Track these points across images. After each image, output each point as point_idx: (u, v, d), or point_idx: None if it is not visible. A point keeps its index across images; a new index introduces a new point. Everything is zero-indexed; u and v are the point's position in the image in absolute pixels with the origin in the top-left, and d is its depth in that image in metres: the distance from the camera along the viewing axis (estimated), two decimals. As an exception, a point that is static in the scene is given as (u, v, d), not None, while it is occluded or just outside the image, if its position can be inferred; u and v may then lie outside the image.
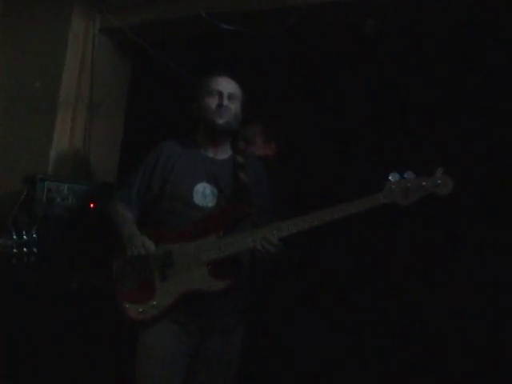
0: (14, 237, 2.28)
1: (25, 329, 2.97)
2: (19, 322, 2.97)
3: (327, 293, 3.13)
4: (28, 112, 3.62)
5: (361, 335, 3.08)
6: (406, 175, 2.36)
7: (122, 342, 2.68)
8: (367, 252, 3.11)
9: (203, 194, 2.55)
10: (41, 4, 3.69)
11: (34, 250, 2.30)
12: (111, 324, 2.68)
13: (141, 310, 2.46)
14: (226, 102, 2.58)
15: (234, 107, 2.60)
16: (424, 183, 2.33)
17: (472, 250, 2.98)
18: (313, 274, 3.11)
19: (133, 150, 3.53)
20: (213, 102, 2.58)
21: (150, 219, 2.59)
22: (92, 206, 3.22)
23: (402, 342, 3.01)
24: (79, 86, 3.68)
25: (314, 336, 3.17)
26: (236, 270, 2.52)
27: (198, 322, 2.48)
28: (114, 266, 2.54)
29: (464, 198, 2.60)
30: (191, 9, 3.46)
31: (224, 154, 2.66)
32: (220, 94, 2.59)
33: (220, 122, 2.57)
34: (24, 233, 2.30)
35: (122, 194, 2.66)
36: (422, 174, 2.35)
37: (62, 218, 3.14)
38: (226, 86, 2.61)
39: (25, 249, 2.29)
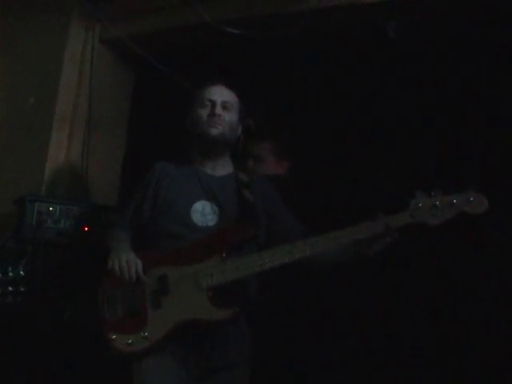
0: None
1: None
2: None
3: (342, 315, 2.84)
4: (22, 129, 3.40)
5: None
6: (433, 193, 2.09)
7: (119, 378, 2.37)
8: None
9: (202, 212, 2.31)
10: (36, 15, 3.49)
11: (22, 289, 2.02)
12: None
13: (129, 341, 2.17)
14: (218, 110, 2.36)
15: (228, 116, 2.38)
16: (455, 201, 2.05)
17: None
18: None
19: (136, 168, 3.28)
20: (204, 112, 2.37)
21: (147, 245, 2.34)
22: (86, 229, 2.95)
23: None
24: (77, 100, 3.45)
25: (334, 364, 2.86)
26: (241, 298, 2.23)
27: (198, 356, 2.20)
28: (100, 290, 2.26)
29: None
30: (194, 16, 3.22)
31: (223, 170, 2.43)
32: (212, 103, 2.37)
33: (213, 133, 2.35)
34: (10, 269, 2.03)
35: (118, 222, 2.46)
36: (451, 191, 2.07)
37: (53, 242, 2.87)
38: (219, 94, 2.40)
39: (10, 288, 2.02)
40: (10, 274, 2.02)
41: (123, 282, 2.21)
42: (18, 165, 3.36)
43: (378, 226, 2.10)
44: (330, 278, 2.49)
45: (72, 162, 3.41)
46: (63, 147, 3.39)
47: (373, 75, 3.05)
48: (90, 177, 3.43)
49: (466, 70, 2.83)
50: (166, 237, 2.29)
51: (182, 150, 2.50)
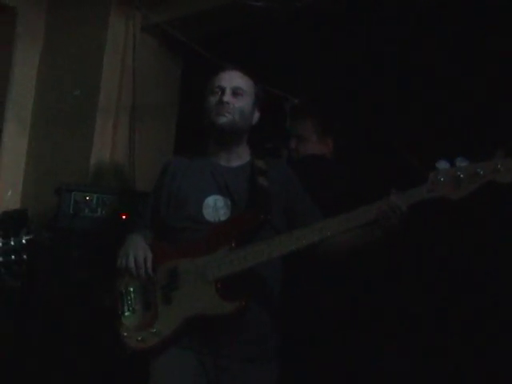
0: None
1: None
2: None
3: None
4: (68, 121, 3.46)
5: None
6: (457, 162, 1.83)
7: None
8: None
9: (214, 207, 2.19)
10: (75, 7, 3.52)
11: (24, 256, 2.02)
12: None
13: (139, 338, 2.10)
14: (227, 97, 2.20)
15: (239, 103, 2.21)
16: (480, 170, 1.78)
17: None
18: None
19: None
20: (213, 100, 2.22)
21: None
22: (124, 217, 2.93)
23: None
24: (120, 90, 3.47)
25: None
26: (250, 290, 2.08)
27: (213, 347, 2.08)
28: (114, 286, 2.22)
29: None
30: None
31: (239, 159, 2.28)
32: (222, 90, 2.22)
33: (220, 121, 2.19)
34: (12, 238, 2.03)
35: (137, 223, 2.38)
36: (478, 159, 1.81)
37: (88, 231, 2.88)
38: (230, 80, 2.24)
39: (12, 256, 2.02)
40: (12, 242, 2.02)
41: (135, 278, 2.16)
42: (63, 156, 3.43)
43: (383, 206, 1.89)
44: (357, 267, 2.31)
45: (118, 152, 3.43)
46: (108, 137, 3.41)
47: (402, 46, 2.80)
48: (137, 167, 3.43)
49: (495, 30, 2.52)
50: (179, 233, 2.20)
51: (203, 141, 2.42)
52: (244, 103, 2.23)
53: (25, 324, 2.87)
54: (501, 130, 2.28)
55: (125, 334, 2.14)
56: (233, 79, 2.24)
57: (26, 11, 3.63)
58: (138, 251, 2.16)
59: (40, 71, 3.69)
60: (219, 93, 2.22)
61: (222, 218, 2.16)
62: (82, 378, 2.72)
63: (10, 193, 3.55)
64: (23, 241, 2.06)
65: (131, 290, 2.18)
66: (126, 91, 3.46)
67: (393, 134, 2.61)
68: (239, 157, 2.28)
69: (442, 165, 1.85)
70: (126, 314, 2.17)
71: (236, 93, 2.22)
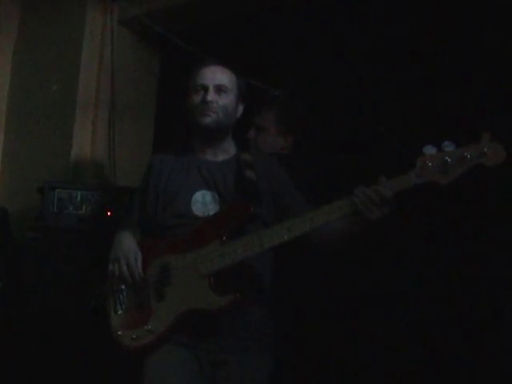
0: None
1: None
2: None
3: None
4: (46, 118, 3.40)
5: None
6: (443, 146, 1.85)
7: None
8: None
9: (203, 202, 2.18)
10: (52, 2, 3.46)
11: None
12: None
13: (134, 336, 2.09)
14: (210, 96, 2.18)
15: (223, 100, 2.20)
16: (467, 154, 1.80)
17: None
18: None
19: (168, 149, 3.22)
20: (196, 99, 2.20)
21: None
22: (109, 214, 2.90)
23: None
24: (99, 85, 3.41)
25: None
26: (244, 283, 2.09)
27: (208, 343, 2.07)
28: (106, 285, 2.20)
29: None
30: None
31: (225, 153, 2.27)
32: (204, 89, 2.19)
33: (205, 121, 2.18)
34: None
35: (124, 222, 2.35)
36: (465, 143, 1.82)
37: (74, 228, 2.85)
38: (213, 77, 2.21)
39: None
40: None
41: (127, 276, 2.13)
42: (43, 153, 3.37)
43: (371, 193, 1.88)
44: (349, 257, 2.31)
45: (97, 148, 3.39)
46: (88, 133, 3.36)
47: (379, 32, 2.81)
48: (117, 162, 3.40)
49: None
50: (169, 230, 2.19)
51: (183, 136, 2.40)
52: (227, 100, 2.21)
53: (11, 325, 2.83)
54: (486, 114, 2.30)
55: (119, 332, 2.12)
56: (215, 76, 2.21)
57: (-2, 6, 3.57)
58: (128, 254, 2.14)
59: (14, 67, 3.62)
60: (202, 92, 2.20)
61: (211, 213, 2.15)
62: (72, 378, 2.69)
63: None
64: None
65: (123, 287, 2.16)
66: (105, 86, 3.41)
67: (379, 121, 2.61)
68: (225, 151, 2.27)
69: (429, 150, 1.85)
70: (119, 312, 2.15)
71: (219, 89, 2.20)
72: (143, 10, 3.41)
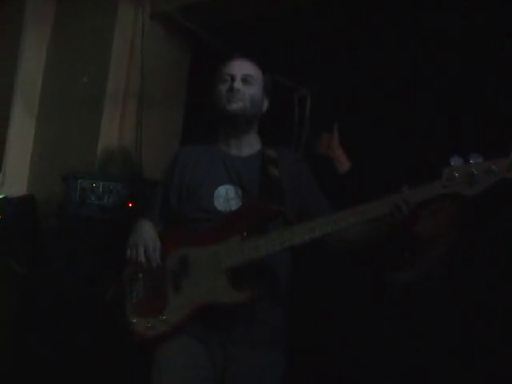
0: None
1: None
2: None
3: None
4: (75, 108, 3.44)
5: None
6: (471, 159, 1.82)
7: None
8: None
9: (225, 197, 2.19)
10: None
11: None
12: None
13: (149, 324, 2.10)
14: (237, 84, 2.20)
15: (250, 90, 2.22)
16: (494, 167, 1.77)
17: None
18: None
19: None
20: (224, 87, 2.22)
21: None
22: (131, 205, 2.93)
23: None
24: (128, 78, 3.43)
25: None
26: (261, 279, 2.09)
27: (221, 336, 2.09)
28: (124, 273, 2.21)
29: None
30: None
31: (250, 148, 2.27)
32: (232, 78, 2.22)
33: (232, 107, 2.20)
34: None
35: (146, 213, 2.35)
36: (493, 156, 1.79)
37: (95, 218, 2.88)
38: (240, 67, 2.24)
39: None
40: None
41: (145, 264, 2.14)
42: (71, 143, 3.41)
43: (397, 201, 1.87)
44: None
45: (125, 140, 3.41)
46: (116, 125, 3.39)
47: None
48: (144, 154, 3.41)
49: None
50: (191, 223, 2.20)
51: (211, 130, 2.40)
52: (254, 90, 2.24)
53: (31, 312, 2.87)
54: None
55: (134, 320, 2.13)
56: (243, 67, 2.25)
57: (35, -1, 3.62)
58: (147, 241, 2.15)
59: (48, 58, 3.67)
60: (229, 80, 2.22)
61: (233, 208, 2.16)
62: (89, 365, 2.72)
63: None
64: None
65: (140, 276, 2.17)
66: (134, 79, 3.42)
67: (409, 130, 2.58)
68: (250, 146, 2.28)
69: (457, 161, 1.83)
70: (134, 300, 2.16)
71: (246, 80, 2.22)
72: (175, 5, 3.41)
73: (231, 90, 2.20)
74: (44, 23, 3.65)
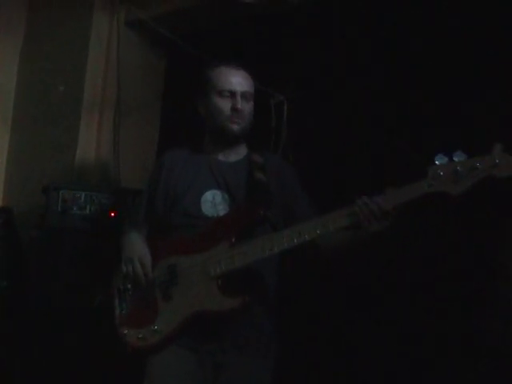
0: None
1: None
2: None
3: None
4: (51, 118, 3.41)
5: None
6: (455, 157, 1.86)
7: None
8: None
9: (213, 202, 2.18)
10: (59, 3, 3.46)
11: None
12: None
13: (140, 335, 2.09)
14: (240, 104, 2.19)
15: (248, 108, 2.23)
16: (478, 164, 1.81)
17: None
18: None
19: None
20: (225, 105, 2.19)
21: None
22: (113, 214, 2.91)
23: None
24: (105, 86, 3.41)
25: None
26: (251, 285, 2.10)
27: (210, 345, 2.08)
28: (112, 284, 2.21)
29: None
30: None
31: (237, 155, 2.28)
32: (233, 95, 2.20)
33: (234, 128, 2.20)
34: None
35: (131, 220, 2.37)
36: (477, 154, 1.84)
37: (78, 229, 2.85)
38: (240, 84, 2.22)
39: None
40: None
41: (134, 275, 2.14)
42: (48, 153, 3.38)
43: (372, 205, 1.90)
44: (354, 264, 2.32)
45: (102, 149, 3.38)
46: (93, 134, 3.36)
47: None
48: (122, 163, 3.39)
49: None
50: (177, 229, 2.20)
51: (194, 135, 2.39)
52: (251, 106, 2.25)
53: (14, 324, 2.82)
54: (498, 125, 2.31)
55: (125, 332, 2.12)
56: (243, 83, 2.23)
57: (5, 7, 3.56)
58: (141, 255, 2.15)
59: (21, 68, 3.63)
60: (229, 97, 2.20)
61: (221, 214, 2.16)
62: (74, 377, 2.69)
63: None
64: None
65: (129, 287, 2.17)
66: (111, 87, 3.41)
67: (391, 130, 2.62)
68: (237, 152, 2.28)
69: (441, 159, 1.87)
70: (125, 311, 2.15)
71: (245, 97, 2.22)
72: (150, 13, 3.41)
73: (235, 110, 2.18)
74: (16, 33, 3.61)
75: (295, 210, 2.21)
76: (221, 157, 2.27)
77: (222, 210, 2.17)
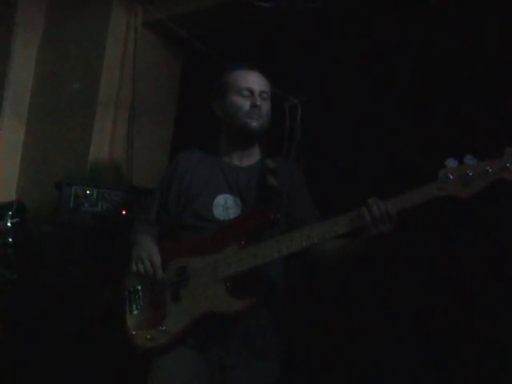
0: None
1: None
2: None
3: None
4: (66, 115, 3.44)
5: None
6: (465, 160, 1.84)
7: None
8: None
9: (224, 206, 2.19)
10: (77, 2, 3.50)
11: (10, 239, 2.02)
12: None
13: (149, 336, 2.08)
14: (259, 101, 2.20)
15: (266, 107, 2.23)
16: (489, 168, 1.79)
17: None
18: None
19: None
20: (244, 103, 2.20)
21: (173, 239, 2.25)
22: (124, 212, 2.92)
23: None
24: (120, 85, 3.44)
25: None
26: (258, 287, 2.09)
27: (218, 347, 2.08)
28: (123, 285, 2.21)
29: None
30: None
31: (251, 159, 2.28)
32: (251, 93, 2.21)
33: (254, 125, 2.20)
34: None
35: (142, 219, 2.37)
36: (487, 157, 1.82)
37: (89, 225, 2.87)
38: (258, 83, 2.24)
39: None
40: None
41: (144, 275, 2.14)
42: (62, 150, 3.41)
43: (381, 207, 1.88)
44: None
45: (116, 147, 3.41)
46: (107, 132, 3.39)
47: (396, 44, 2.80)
48: (135, 162, 3.41)
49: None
50: (188, 231, 2.20)
51: (208, 136, 2.40)
52: (269, 106, 2.26)
53: (21, 318, 2.85)
54: (509, 129, 2.29)
55: (133, 332, 2.12)
56: (260, 81, 2.25)
57: (26, 3, 3.61)
58: (151, 254, 2.15)
59: (38, 64, 3.67)
60: (249, 95, 2.21)
61: (232, 217, 2.16)
62: (82, 376, 2.70)
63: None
64: (8, 224, 2.07)
65: (139, 288, 2.17)
66: (126, 86, 3.44)
67: (401, 133, 2.61)
68: (251, 156, 2.28)
69: (451, 163, 1.85)
70: (135, 312, 2.16)
71: (263, 97, 2.23)
72: (167, 13, 3.43)
73: (254, 106, 2.19)
74: (34, 29, 3.65)
75: (296, 211, 2.21)
76: (235, 160, 2.27)
77: (233, 213, 2.17)
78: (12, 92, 3.63)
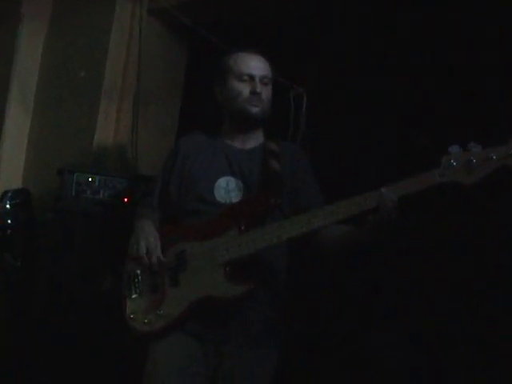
0: None
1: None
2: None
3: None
4: (71, 103, 3.42)
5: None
6: (469, 146, 1.81)
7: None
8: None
9: (226, 189, 2.18)
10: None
11: (8, 221, 2.02)
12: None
13: (146, 320, 2.09)
14: (259, 87, 2.18)
15: (267, 92, 2.22)
16: (493, 155, 1.76)
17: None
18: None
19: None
20: (244, 88, 2.19)
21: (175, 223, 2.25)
22: (126, 200, 2.91)
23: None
24: (125, 73, 3.41)
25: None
26: (258, 273, 2.07)
27: (215, 333, 2.07)
28: (123, 268, 2.20)
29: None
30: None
31: (253, 142, 2.27)
32: (252, 78, 2.20)
33: (254, 110, 2.19)
34: None
35: (144, 203, 2.38)
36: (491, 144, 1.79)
37: (91, 212, 2.86)
38: (258, 68, 2.22)
39: None
40: None
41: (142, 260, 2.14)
42: (66, 138, 3.39)
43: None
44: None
45: (121, 135, 3.39)
46: (112, 120, 3.37)
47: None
48: (140, 150, 3.39)
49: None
50: (189, 215, 2.20)
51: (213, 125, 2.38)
52: (270, 92, 2.24)
53: (24, 305, 2.85)
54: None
55: (131, 316, 2.12)
56: (261, 67, 2.23)
57: (31, -8, 3.61)
58: (149, 238, 2.14)
59: (45, 53, 3.65)
60: (248, 81, 2.20)
61: (234, 201, 2.15)
62: (83, 362, 2.70)
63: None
64: (7, 205, 2.06)
65: (138, 272, 2.16)
66: (131, 74, 3.41)
67: (407, 120, 2.57)
68: (254, 139, 2.27)
69: (455, 149, 1.83)
70: (133, 296, 2.15)
71: (263, 82, 2.21)
72: (172, 1, 3.40)
73: (254, 93, 2.18)
74: (41, 17, 3.63)
75: (301, 196, 2.20)
76: (237, 144, 2.26)
77: (235, 196, 2.16)
78: (18, 81, 3.61)
